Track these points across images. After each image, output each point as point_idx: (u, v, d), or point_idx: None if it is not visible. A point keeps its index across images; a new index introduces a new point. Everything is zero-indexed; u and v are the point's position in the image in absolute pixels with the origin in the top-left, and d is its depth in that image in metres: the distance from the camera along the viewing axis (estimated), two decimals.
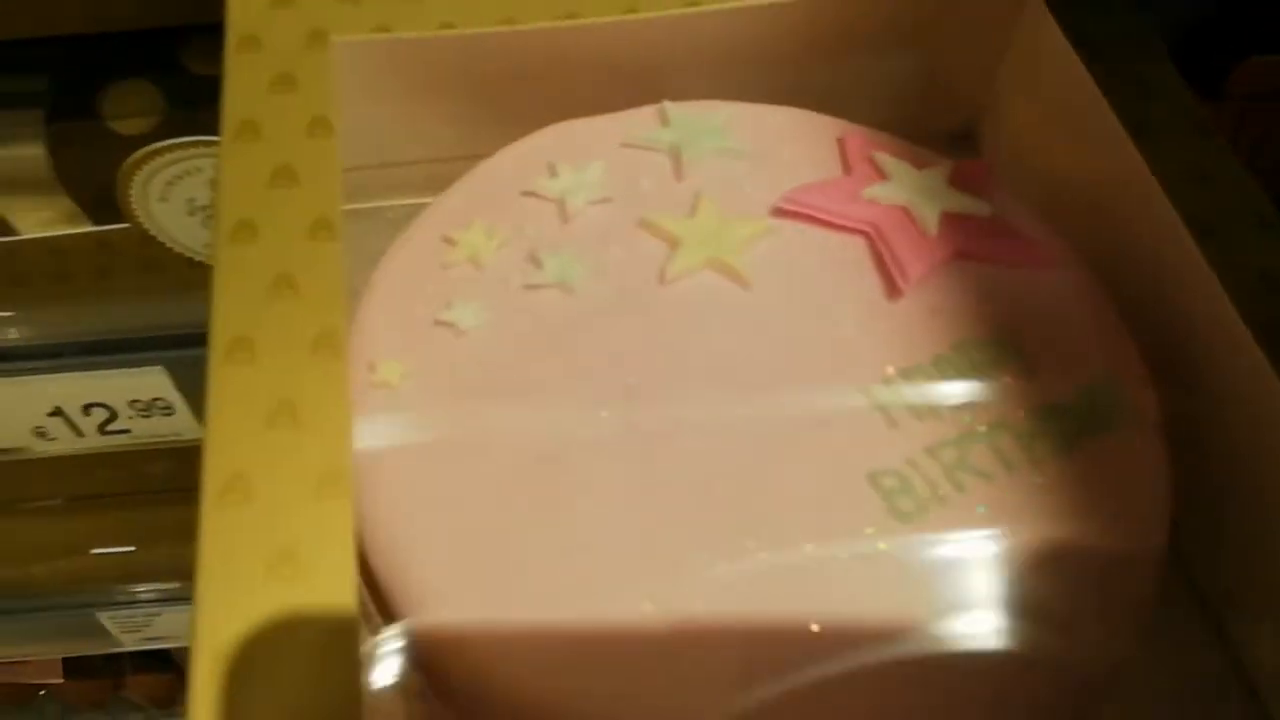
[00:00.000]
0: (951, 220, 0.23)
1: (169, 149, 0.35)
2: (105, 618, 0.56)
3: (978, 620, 0.19)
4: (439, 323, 0.22)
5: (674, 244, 0.23)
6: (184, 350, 0.42)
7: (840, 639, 0.18)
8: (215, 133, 0.22)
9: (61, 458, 0.47)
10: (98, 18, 0.31)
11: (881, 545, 0.19)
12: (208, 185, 0.36)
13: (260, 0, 0.24)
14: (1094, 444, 0.21)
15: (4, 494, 0.50)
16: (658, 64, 0.25)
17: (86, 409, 0.44)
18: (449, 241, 0.23)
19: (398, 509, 0.19)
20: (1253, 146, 0.39)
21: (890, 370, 0.22)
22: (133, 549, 0.52)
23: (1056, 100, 0.26)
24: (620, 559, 0.19)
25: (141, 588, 0.54)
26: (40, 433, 0.45)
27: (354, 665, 0.16)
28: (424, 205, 0.24)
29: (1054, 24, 0.26)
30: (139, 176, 0.35)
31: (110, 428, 0.46)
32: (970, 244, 0.23)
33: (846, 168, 0.25)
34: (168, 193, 0.36)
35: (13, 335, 0.41)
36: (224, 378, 0.19)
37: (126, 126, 0.34)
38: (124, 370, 0.43)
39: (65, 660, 0.64)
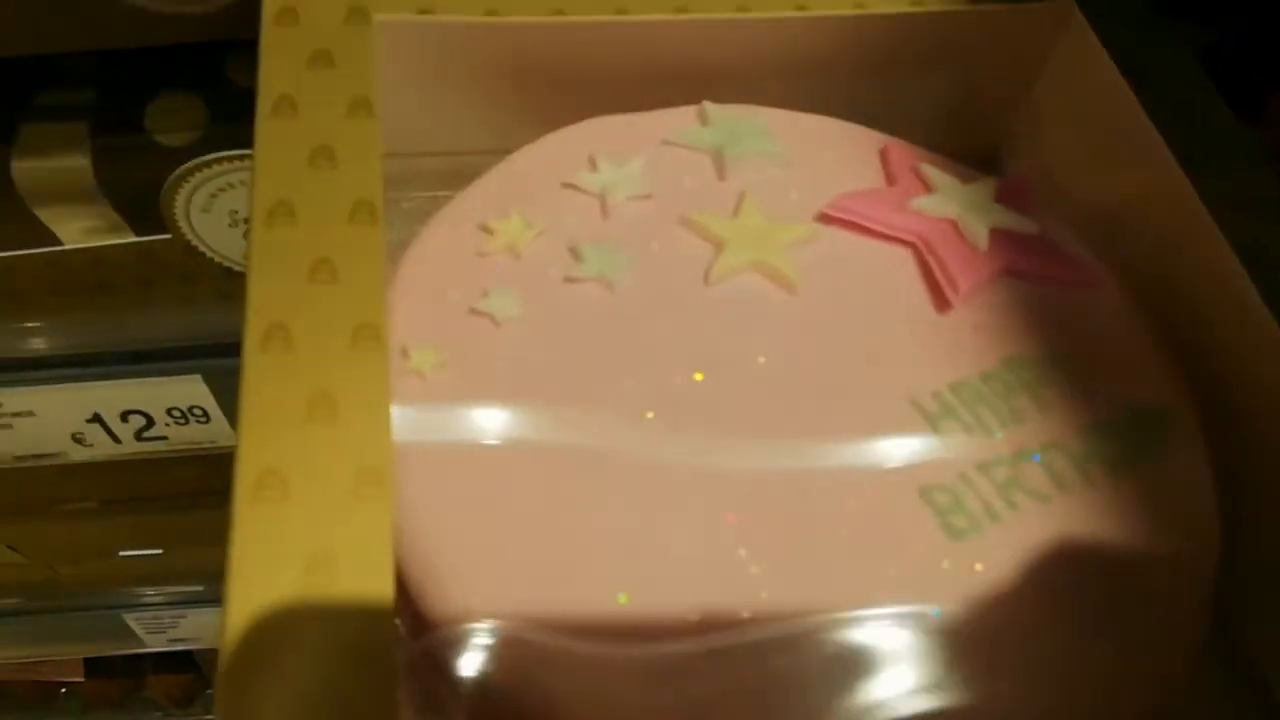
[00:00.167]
0: (999, 236, 0.23)
1: (215, 162, 0.34)
2: (131, 619, 0.55)
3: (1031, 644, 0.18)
4: (475, 312, 0.20)
5: (718, 244, 0.22)
6: (222, 359, 0.41)
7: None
8: None
9: (96, 462, 0.46)
10: (144, 34, 0.30)
11: (945, 564, 0.18)
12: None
13: None
14: (1145, 465, 0.20)
15: (38, 497, 0.49)
16: (701, 67, 0.25)
17: (125, 416, 0.44)
18: (486, 230, 0.22)
19: (431, 509, 0.18)
20: None
21: (939, 384, 0.21)
22: (160, 551, 0.51)
23: (1098, 123, 0.25)
24: (662, 564, 0.18)
25: (168, 589, 0.53)
26: (78, 438, 0.45)
27: (389, 668, 0.15)
28: (444, 198, 0.23)
29: (1099, 46, 0.25)
30: (184, 189, 0.35)
31: (147, 434, 0.45)
32: (1019, 261, 0.22)
33: (890, 178, 0.24)
34: (211, 205, 0.36)
35: (55, 343, 0.41)
36: (260, 367, 0.18)
37: (170, 139, 0.33)
38: (163, 378, 0.42)
39: (86, 660, 0.63)
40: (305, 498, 0.16)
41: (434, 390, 0.19)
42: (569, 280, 0.21)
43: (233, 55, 0.34)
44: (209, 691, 0.66)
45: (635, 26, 0.24)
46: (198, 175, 0.34)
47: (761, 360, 0.20)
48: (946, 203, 0.23)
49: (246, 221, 0.36)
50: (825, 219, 0.22)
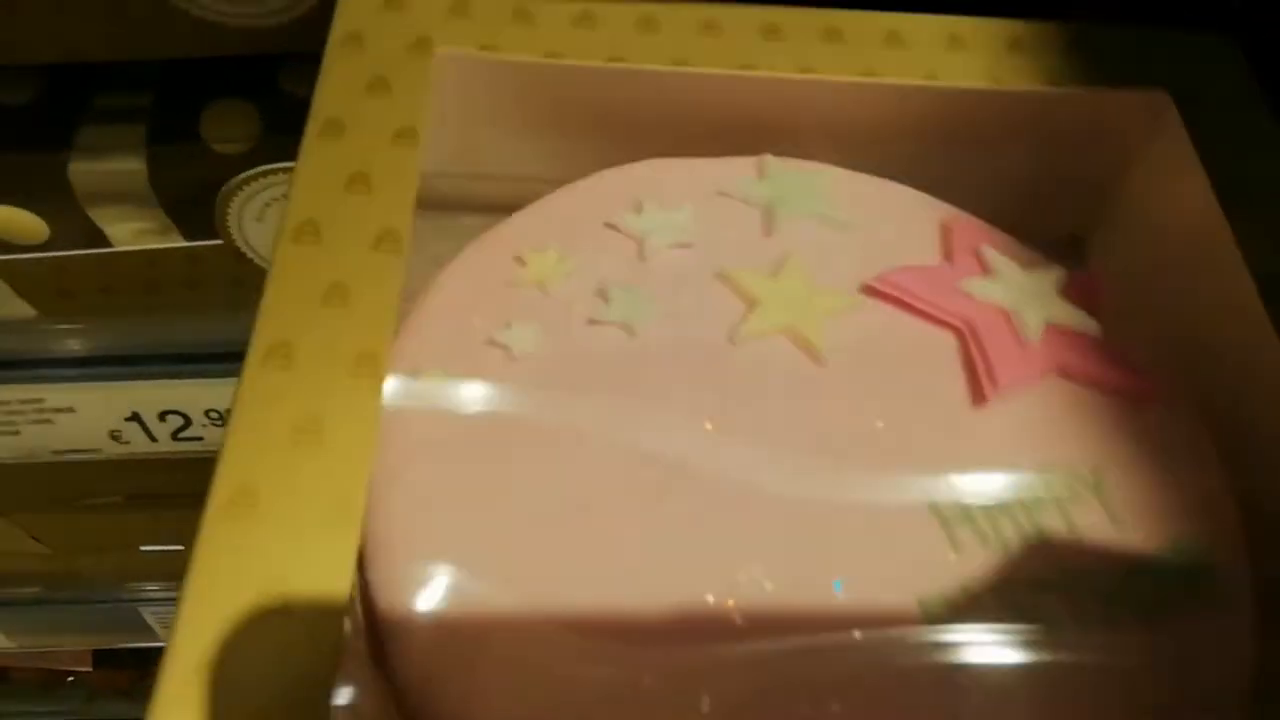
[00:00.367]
0: (1055, 332, 0.20)
1: (272, 172, 0.34)
2: (148, 612, 0.54)
3: None
4: (493, 342, 0.19)
5: (751, 303, 0.20)
6: None
7: None
8: None
9: (128, 460, 0.45)
10: (202, 43, 0.30)
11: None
12: None
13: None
14: (1176, 616, 0.18)
15: (69, 491, 0.49)
16: (761, 125, 0.23)
17: (163, 415, 0.43)
18: (520, 261, 0.21)
19: (411, 545, 0.17)
20: None
21: (961, 484, 0.18)
22: (181, 548, 0.51)
23: (1178, 228, 0.23)
24: (651, 617, 0.16)
25: None
26: (116, 436, 0.45)
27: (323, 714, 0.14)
28: (493, 223, 0.22)
29: (1190, 149, 0.23)
30: (239, 196, 0.35)
31: (183, 434, 0.45)
32: (1073, 361, 0.20)
33: (948, 255, 0.22)
34: (264, 213, 0.35)
35: (100, 342, 0.41)
36: (256, 382, 0.17)
37: (224, 146, 0.33)
38: (204, 380, 0.42)
39: (94, 651, 0.63)
40: (273, 521, 0.16)
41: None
42: (592, 322, 0.20)
43: (285, 65, 0.34)
44: None
45: (695, 79, 0.23)
46: (254, 184, 0.34)
47: (773, 428, 0.19)
48: (1002, 289, 0.21)
49: None
50: (870, 291, 0.21)
